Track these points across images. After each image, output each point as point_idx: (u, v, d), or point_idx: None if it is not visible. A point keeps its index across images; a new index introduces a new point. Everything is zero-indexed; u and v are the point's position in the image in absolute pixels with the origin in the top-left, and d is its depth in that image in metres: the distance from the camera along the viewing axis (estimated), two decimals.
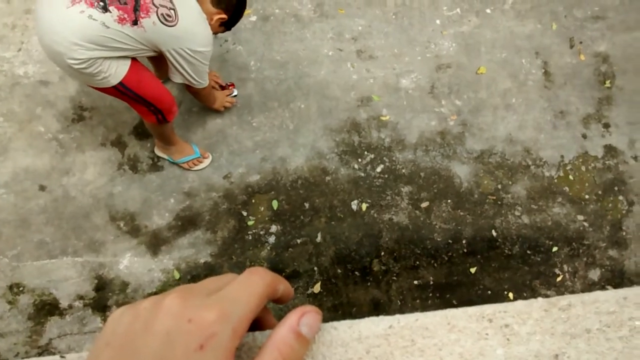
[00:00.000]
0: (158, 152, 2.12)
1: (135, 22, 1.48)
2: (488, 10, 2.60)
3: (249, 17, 2.39)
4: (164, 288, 2.02)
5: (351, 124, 2.32)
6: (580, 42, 2.63)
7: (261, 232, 2.13)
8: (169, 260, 2.05)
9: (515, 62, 2.52)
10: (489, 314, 0.41)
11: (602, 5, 2.70)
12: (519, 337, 0.39)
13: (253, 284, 0.34)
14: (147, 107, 1.74)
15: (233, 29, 2.23)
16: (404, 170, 2.31)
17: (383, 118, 2.35)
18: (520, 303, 0.42)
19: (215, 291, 0.33)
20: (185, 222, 2.08)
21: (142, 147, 2.14)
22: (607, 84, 2.58)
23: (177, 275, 2.04)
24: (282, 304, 0.39)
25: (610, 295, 0.41)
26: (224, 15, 1.70)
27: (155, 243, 2.05)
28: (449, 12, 2.57)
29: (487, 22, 2.58)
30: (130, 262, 2.01)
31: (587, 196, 2.41)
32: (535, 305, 0.41)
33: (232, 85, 2.24)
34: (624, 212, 2.42)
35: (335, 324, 0.39)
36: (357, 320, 0.40)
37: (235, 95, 2.23)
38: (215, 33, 1.74)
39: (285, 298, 0.38)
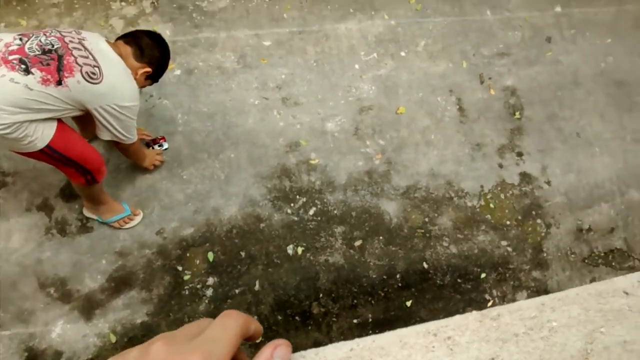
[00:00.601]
0: (87, 213, 2.33)
1: (59, 82, 1.68)
2: (402, 54, 3.10)
3: (173, 71, 2.71)
4: (100, 353, 2.21)
5: (281, 170, 2.67)
6: (490, 78, 3.19)
7: (198, 286, 2.39)
8: (104, 323, 2.24)
9: (431, 100, 3.02)
10: (433, 329, 0.51)
11: (506, 43, 3.29)
12: (461, 347, 0.48)
13: (229, 326, 0.41)
14: (76, 169, 1.97)
15: (158, 83, 2.54)
16: (335, 211, 2.67)
17: (312, 162, 2.72)
18: (458, 317, 0.53)
19: (196, 336, 0.40)
20: (119, 283, 2.29)
21: (70, 209, 2.34)
22: (517, 115, 3.13)
23: (113, 339, 2.23)
24: (252, 342, 0.47)
25: (530, 303, 0.61)
26: (148, 69, 1.97)
27: (89, 307, 2.24)
28: (367, 57, 3.04)
29: (403, 64, 3.07)
30: (62, 330, 2.18)
31: (508, 222, 2.89)
32: (471, 318, 0.53)
33: (163, 138, 2.52)
34: (542, 234, 2.92)
35: (303, 352, 0.48)
36: (322, 348, 0.50)
37: (166, 149, 2.51)
38: (141, 87, 2.02)
39: (256, 336, 0.45)
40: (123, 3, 2.85)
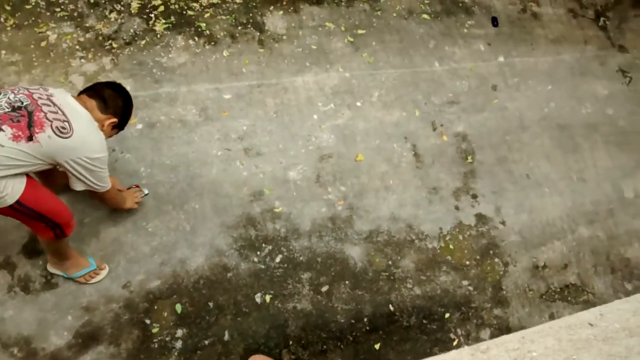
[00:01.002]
0: (51, 269, 2.48)
1: (30, 138, 1.87)
2: (358, 104, 3.49)
3: (135, 125, 2.96)
4: None
5: (246, 219, 2.92)
6: (441, 125, 3.61)
7: (167, 339, 2.55)
8: None
9: (388, 147, 3.39)
10: None
11: (454, 91, 3.75)
12: None
13: None
14: (45, 223, 2.14)
15: (120, 137, 2.78)
16: (301, 258, 2.93)
17: (276, 210, 2.99)
18: (453, 352, 0.73)
19: None
20: (86, 339, 2.42)
21: (34, 266, 2.48)
22: (469, 159, 3.54)
23: None
24: None
25: (512, 337, 0.78)
26: (114, 119, 2.20)
27: None
28: (324, 108, 3.40)
29: (359, 114, 3.45)
30: None
31: (467, 262, 3.23)
32: (464, 353, 0.62)
33: (137, 186, 2.75)
34: (501, 273, 3.27)
35: None
36: None
37: (146, 194, 2.74)
38: (108, 137, 2.25)
39: None
40: (82, 60, 3.11)
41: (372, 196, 3.19)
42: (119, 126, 2.30)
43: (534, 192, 3.52)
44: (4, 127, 1.84)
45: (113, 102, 2.21)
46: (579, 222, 3.54)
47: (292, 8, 3.72)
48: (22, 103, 1.92)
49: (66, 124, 1.96)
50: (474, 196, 3.41)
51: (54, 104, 1.98)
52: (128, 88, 2.94)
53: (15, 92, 1.97)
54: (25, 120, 1.88)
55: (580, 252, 3.45)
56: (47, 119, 1.92)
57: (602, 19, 4.47)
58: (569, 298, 3.32)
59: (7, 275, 2.46)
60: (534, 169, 3.61)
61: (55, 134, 1.92)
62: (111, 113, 2.20)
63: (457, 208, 3.33)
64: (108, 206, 2.47)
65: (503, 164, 3.56)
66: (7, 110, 1.89)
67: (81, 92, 2.22)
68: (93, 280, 2.53)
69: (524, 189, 3.51)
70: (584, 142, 3.82)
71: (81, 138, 1.99)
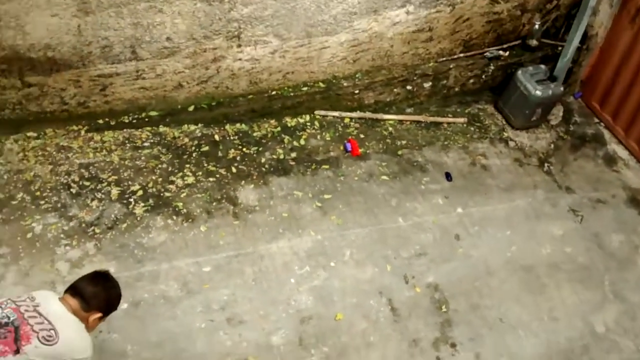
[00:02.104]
0: None
1: (17, 351, 2.12)
2: (332, 264, 3.95)
3: (121, 305, 3.31)
4: None
5: None
6: (413, 277, 4.06)
7: None
8: None
9: (365, 304, 3.79)
10: None
11: (421, 244, 4.28)
12: None
13: None
14: None
15: (107, 318, 3.10)
16: None
17: None
18: None
19: None
20: None
21: None
22: (444, 308, 3.95)
23: None
24: None
25: None
26: (98, 315, 2.43)
27: None
28: (300, 271, 3.85)
29: (334, 273, 3.90)
30: None
31: None
32: None
33: None
34: None
35: None
36: None
37: None
38: (94, 327, 2.48)
39: None
40: (67, 247, 3.54)
41: (355, 355, 3.51)
42: (105, 314, 2.56)
43: (509, 336, 3.90)
44: None
45: (95, 300, 2.46)
46: None
47: (262, 181, 4.34)
48: (9, 318, 2.21)
49: (52, 331, 2.23)
50: (453, 345, 3.76)
51: (40, 315, 2.26)
52: (112, 270, 3.35)
53: (3, 306, 2.27)
54: (12, 335, 2.15)
55: None
56: (33, 330, 2.19)
57: (546, 164, 5.24)
58: None
59: None
60: (507, 313, 4.02)
61: (42, 342, 2.19)
62: (95, 309, 2.45)
63: (438, 359, 3.66)
64: None
65: (476, 310, 3.98)
66: None
67: (66, 291, 2.49)
68: None
69: (500, 334, 3.89)
70: (550, 282, 4.31)
71: (66, 342, 2.25)
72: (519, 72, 5.25)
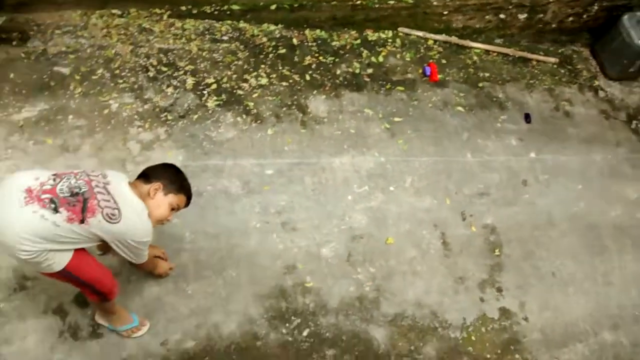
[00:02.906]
0: (99, 320, 2.94)
1: (82, 221, 2.30)
2: (392, 188, 4.00)
3: None
4: None
5: (279, 291, 3.37)
6: (471, 215, 4.08)
7: None
8: None
9: (417, 233, 3.86)
10: None
11: (486, 183, 4.25)
12: None
13: None
14: (90, 290, 2.61)
15: None
16: (327, 334, 3.33)
17: (307, 285, 3.45)
18: None
19: None
20: None
21: (83, 315, 2.96)
22: (497, 252, 3.98)
23: None
24: None
25: None
26: (158, 184, 2.53)
27: None
28: (359, 189, 3.92)
29: (392, 198, 3.95)
30: None
31: (488, 355, 3.58)
32: None
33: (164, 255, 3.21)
34: None
35: None
36: None
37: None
38: (163, 218, 2.59)
39: None
40: (140, 129, 3.71)
41: (400, 280, 3.62)
42: (185, 201, 2.71)
43: (559, 291, 3.91)
44: (61, 210, 2.29)
45: (155, 173, 2.63)
46: (603, 325, 3.88)
47: (333, 93, 4.34)
48: (80, 189, 2.37)
49: (116, 211, 2.38)
50: (499, 289, 3.81)
51: (108, 192, 2.41)
52: (179, 158, 3.54)
53: (77, 177, 2.43)
54: (80, 205, 2.33)
55: (603, 356, 3.76)
56: (99, 206, 2.35)
57: (634, 122, 5.00)
58: None
59: (59, 321, 2.95)
60: (560, 267, 4.01)
61: (105, 219, 2.35)
62: (154, 180, 2.58)
63: (482, 300, 3.73)
64: (141, 270, 2.94)
65: (530, 259, 3.98)
66: (66, 195, 2.34)
67: (138, 177, 2.65)
68: (134, 335, 2.98)
69: (549, 287, 3.90)
70: (612, 245, 4.24)
71: (128, 225, 2.41)
72: (626, 16, 4.89)
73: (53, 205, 2.27)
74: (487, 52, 5.00)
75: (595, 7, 5.11)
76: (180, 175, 2.74)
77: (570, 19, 5.21)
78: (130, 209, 2.43)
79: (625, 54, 4.90)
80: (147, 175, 2.62)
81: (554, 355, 3.66)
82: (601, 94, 5.04)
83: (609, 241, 4.24)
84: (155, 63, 4.14)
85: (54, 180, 2.38)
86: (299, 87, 4.29)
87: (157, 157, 3.60)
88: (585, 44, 5.37)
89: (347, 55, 4.65)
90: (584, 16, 5.20)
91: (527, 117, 4.68)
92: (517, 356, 3.60)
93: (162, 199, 2.60)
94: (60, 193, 2.33)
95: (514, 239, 4.04)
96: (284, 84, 4.27)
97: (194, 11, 4.51)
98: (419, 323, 3.52)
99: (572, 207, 4.32)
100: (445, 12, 4.90)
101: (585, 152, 4.65)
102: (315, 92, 4.31)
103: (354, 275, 3.55)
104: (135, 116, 3.77)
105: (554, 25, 5.25)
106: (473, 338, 3.57)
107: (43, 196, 2.29)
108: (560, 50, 5.25)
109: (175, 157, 3.63)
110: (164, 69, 4.13)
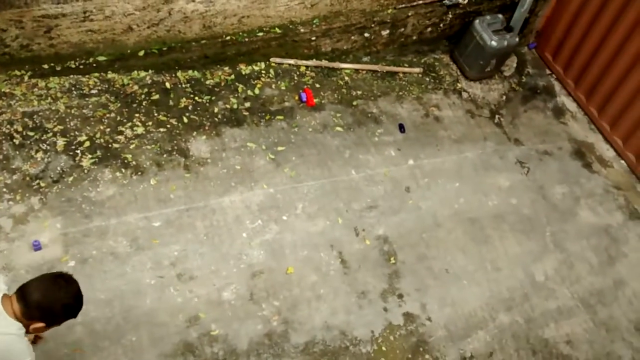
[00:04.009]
0: None
1: None
2: (284, 217, 3.88)
3: (67, 263, 3.18)
4: None
5: (184, 346, 3.13)
6: (363, 230, 4.05)
7: None
8: None
9: (315, 257, 3.76)
10: None
11: (372, 196, 4.24)
12: None
13: None
14: None
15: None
16: None
17: (213, 333, 3.23)
18: None
19: None
20: None
21: None
22: (392, 260, 3.97)
23: None
24: None
25: None
26: (40, 324, 2.09)
27: None
28: (252, 225, 3.77)
29: (286, 227, 3.83)
30: None
31: None
32: None
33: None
34: None
35: None
36: None
37: None
38: (39, 335, 2.32)
39: None
40: (10, 202, 3.34)
41: (305, 307, 3.51)
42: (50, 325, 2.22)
43: (454, 286, 3.97)
44: None
45: (37, 311, 2.12)
46: (498, 309, 3.98)
47: (214, 132, 4.16)
48: None
49: None
50: (400, 296, 3.80)
51: None
52: (58, 226, 3.21)
53: None
54: None
55: (503, 338, 3.87)
56: None
57: (496, 116, 5.22)
58: None
59: None
60: (452, 263, 4.07)
61: None
62: (36, 319, 2.13)
63: (385, 310, 3.70)
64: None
65: (423, 261, 4.01)
66: None
67: (17, 290, 2.16)
68: None
69: (445, 284, 3.95)
70: (494, 233, 4.37)
71: (2, 347, 2.06)
72: (476, 21, 5.10)
73: None
74: (356, 71, 5.02)
75: (450, 16, 5.29)
76: (68, 307, 2.24)
77: (429, 29, 5.36)
78: (3, 329, 2.06)
79: (481, 55, 5.10)
80: (26, 304, 2.13)
81: (460, 347, 3.71)
82: (464, 95, 5.21)
83: (490, 230, 4.37)
84: (20, 129, 3.77)
85: None
86: (177, 131, 4.07)
87: (33, 229, 3.26)
88: (445, 51, 5.54)
89: (222, 92, 4.49)
90: (441, 25, 5.37)
91: (401, 128, 4.74)
92: (427, 356, 3.60)
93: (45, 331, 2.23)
94: None
95: (405, 245, 4.06)
96: (162, 129, 4.04)
97: (58, 68, 4.17)
98: (330, 346, 3.42)
99: (454, 205, 4.42)
100: (314, 38, 4.87)
101: (457, 152, 4.78)
102: (195, 133, 4.11)
103: (259, 313, 3.39)
104: (4, 189, 3.40)
105: (414, 38, 5.38)
106: (384, 348, 3.53)
107: None
108: (423, 60, 5.38)
109: (53, 226, 3.31)
110: (31, 133, 3.76)
